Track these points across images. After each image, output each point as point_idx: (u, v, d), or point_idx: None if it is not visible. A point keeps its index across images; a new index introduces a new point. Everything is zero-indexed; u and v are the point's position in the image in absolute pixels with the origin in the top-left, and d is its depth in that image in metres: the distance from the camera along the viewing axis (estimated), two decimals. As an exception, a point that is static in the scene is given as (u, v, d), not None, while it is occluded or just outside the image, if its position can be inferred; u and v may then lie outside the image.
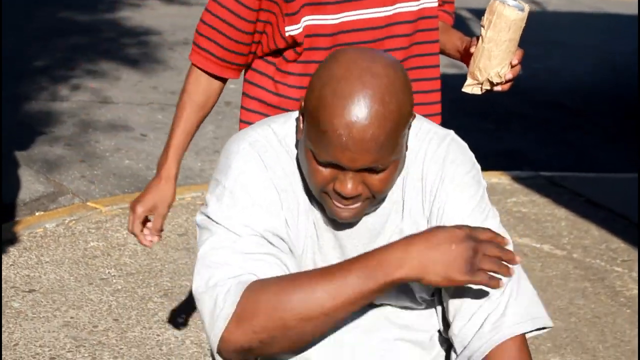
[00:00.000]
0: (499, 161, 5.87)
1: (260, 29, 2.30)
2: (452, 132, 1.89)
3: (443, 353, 1.92)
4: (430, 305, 1.89)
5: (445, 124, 1.96)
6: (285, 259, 1.75)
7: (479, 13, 2.26)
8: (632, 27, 9.58)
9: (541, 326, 1.81)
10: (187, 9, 9.65)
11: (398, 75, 1.68)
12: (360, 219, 1.79)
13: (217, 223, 1.75)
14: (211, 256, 1.73)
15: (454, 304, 1.80)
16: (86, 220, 4.50)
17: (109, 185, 5.18)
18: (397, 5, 2.29)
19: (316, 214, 1.81)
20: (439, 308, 1.88)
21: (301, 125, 1.73)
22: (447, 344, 1.90)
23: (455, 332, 1.80)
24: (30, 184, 5.07)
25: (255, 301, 1.65)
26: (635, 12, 9.84)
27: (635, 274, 4.38)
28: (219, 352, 1.70)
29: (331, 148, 1.65)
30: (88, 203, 4.77)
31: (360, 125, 1.63)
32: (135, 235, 2.44)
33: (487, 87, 2.27)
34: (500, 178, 5.45)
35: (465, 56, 2.37)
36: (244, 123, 2.38)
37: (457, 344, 1.81)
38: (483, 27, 2.21)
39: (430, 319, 1.90)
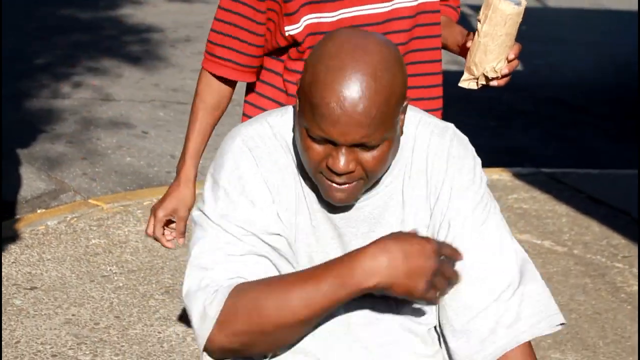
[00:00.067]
0: (500, 158, 5.86)
1: (268, 28, 2.31)
2: (452, 125, 1.91)
3: (442, 352, 1.92)
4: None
5: (446, 119, 1.96)
6: (277, 259, 1.77)
7: (479, 9, 2.26)
8: (633, 23, 9.56)
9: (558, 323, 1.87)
10: (189, 6, 9.64)
11: (391, 53, 1.70)
12: (354, 201, 1.79)
13: (212, 222, 1.78)
14: (203, 258, 1.76)
15: (457, 300, 1.81)
16: (87, 218, 4.51)
17: (111, 183, 5.18)
18: (395, 1, 2.29)
19: (314, 206, 1.82)
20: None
21: (297, 108, 1.75)
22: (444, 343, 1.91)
23: (458, 327, 1.82)
24: (32, 182, 5.07)
25: (235, 306, 1.69)
26: (636, 8, 9.82)
27: (636, 270, 4.38)
28: (207, 353, 1.75)
29: (323, 121, 1.67)
30: (89, 200, 4.77)
31: (352, 99, 1.65)
32: (157, 239, 2.46)
33: (482, 82, 2.26)
34: (501, 174, 5.45)
35: (465, 51, 2.37)
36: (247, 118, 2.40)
37: (460, 341, 1.82)
38: (479, 21, 2.21)
39: (429, 314, 1.90)
